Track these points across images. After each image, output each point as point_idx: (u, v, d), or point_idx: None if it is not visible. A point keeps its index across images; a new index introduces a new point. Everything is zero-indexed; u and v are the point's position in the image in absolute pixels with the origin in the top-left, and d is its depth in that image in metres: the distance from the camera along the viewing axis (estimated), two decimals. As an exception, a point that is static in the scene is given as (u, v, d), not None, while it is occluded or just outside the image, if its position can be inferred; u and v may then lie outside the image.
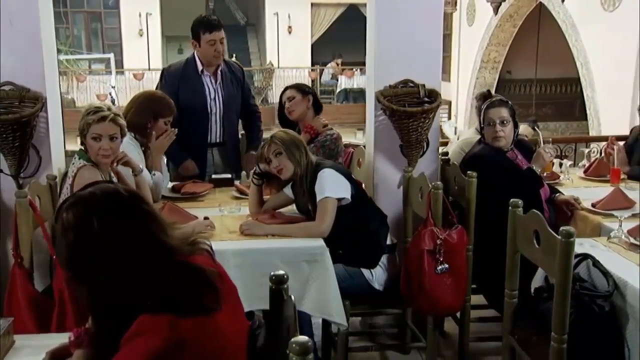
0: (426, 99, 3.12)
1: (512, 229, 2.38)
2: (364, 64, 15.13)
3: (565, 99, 13.23)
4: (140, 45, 16.16)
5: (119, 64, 15.74)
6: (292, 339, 1.25)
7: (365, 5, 14.16)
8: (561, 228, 2.00)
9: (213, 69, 3.72)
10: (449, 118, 14.18)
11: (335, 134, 3.52)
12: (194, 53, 3.78)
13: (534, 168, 3.06)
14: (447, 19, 14.43)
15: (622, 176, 3.63)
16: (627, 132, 7.47)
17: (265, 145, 2.80)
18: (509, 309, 2.44)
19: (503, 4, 10.31)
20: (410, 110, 3.02)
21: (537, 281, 2.58)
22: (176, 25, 18.16)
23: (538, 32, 12.12)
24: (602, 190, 3.28)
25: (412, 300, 2.76)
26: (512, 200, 2.38)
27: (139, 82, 15.10)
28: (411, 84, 3.14)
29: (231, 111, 3.80)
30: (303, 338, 1.25)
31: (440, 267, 2.68)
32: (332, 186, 2.70)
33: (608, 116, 8.20)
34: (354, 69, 17.17)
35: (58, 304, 2.51)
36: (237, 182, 3.49)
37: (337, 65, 17.42)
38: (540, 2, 10.13)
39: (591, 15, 8.43)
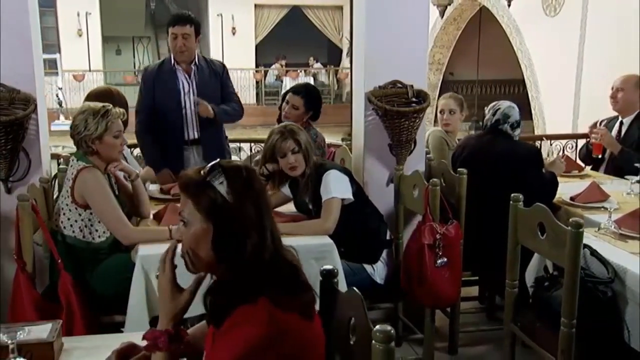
0: (414, 99, 3.23)
1: (514, 222, 2.52)
2: (307, 65, 15.19)
3: (506, 99, 13.72)
4: (80, 46, 15.69)
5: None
6: (375, 328, 1.31)
7: (308, 7, 14.34)
8: (571, 219, 2.15)
9: (186, 64, 3.69)
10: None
11: (318, 140, 3.59)
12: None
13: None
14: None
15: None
16: (570, 131, 7.91)
17: (284, 139, 2.76)
18: (510, 298, 2.57)
19: (448, 7, 10.61)
20: (403, 110, 3.11)
21: (530, 272, 2.74)
22: (115, 26, 17.75)
23: (479, 35, 12.55)
24: (572, 185, 3.51)
25: (412, 293, 2.85)
26: (513, 195, 2.52)
27: (80, 83, 14.67)
28: (399, 85, 3.24)
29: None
30: (386, 327, 1.31)
31: (439, 260, 2.78)
32: (337, 187, 2.76)
33: (552, 116, 8.60)
34: (298, 70, 17.27)
35: (65, 307, 2.48)
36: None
37: (281, 66, 17.48)
38: (482, 6, 10.50)
39: (534, 20, 8.81)
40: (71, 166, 2.68)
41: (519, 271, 2.58)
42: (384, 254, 2.89)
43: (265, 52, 17.55)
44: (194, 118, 3.69)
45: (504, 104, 3.38)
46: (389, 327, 1.30)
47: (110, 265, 2.72)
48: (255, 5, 16.85)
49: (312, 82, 17.23)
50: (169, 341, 1.37)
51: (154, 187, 3.47)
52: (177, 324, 1.40)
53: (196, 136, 3.72)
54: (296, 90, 3.66)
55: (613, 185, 3.53)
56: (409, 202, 3.12)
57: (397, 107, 3.13)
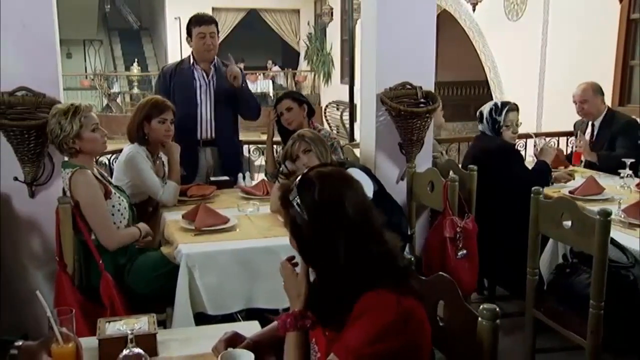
0: (422, 100, 3.38)
1: (535, 214, 2.68)
2: (265, 68, 15.15)
3: (461, 100, 14.11)
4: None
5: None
6: (482, 306, 1.44)
7: (265, 10, 14.38)
8: (599, 208, 2.33)
9: (206, 63, 3.79)
10: (355, 120, 14.62)
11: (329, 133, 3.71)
12: (190, 52, 3.87)
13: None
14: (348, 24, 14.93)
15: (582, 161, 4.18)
16: (534, 130, 8.23)
17: (294, 143, 2.88)
18: (532, 285, 2.74)
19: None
20: (416, 110, 3.26)
21: (544, 261, 2.92)
22: (67, 29, 17.34)
23: (437, 38, 12.86)
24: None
25: (435, 284, 2.99)
26: (534, 188, 2.69)
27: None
28: (409, 86, 3.39)
29: (223, 106, 3.79)
30: (492, 305, 1.44)
31: (460, 252, 2.94)
32: None
33: (516, 116, 8.91)
34: (257, 74, 17.28)
35: (109, 308, 2.51)
36: (241, 183, 3.58)
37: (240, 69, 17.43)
38: (442, 10, 10.79)
39: (497, 24, 9.12)
40: (63, 178, 2.71)
41: (539, 260, 2.75)
42: (407, 247, 3.03)
43: (223, 55, 17.45)
44: (209, 117, 3.75)
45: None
46: (494, 306, 1.43)
47: (142, 263, 2.76)
48: (213, 9, 16.72)
49: (270, 85, 17.33)
50: (295, 321, 1.46)
51: None
52: (304, 304, 1.48)
53: (209, 136, 3.77)
54: (279, 98, 3.76)
55: (601, 180, 3.75)
56: (424, 198, 3.26)
57: (410, 108, 3.27)
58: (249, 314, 2.81)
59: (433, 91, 3.43)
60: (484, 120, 3.49)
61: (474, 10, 8.66)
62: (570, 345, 2.63)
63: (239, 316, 2.88)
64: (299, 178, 1.46)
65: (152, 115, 3.21)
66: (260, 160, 5.23)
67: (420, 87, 3.37)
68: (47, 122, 2.72)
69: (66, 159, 2.75)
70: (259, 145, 5.01)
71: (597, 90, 4.29)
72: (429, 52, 3.47)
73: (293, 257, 1.53)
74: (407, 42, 3.40)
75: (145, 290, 2.71)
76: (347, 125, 13.78)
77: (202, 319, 2.58)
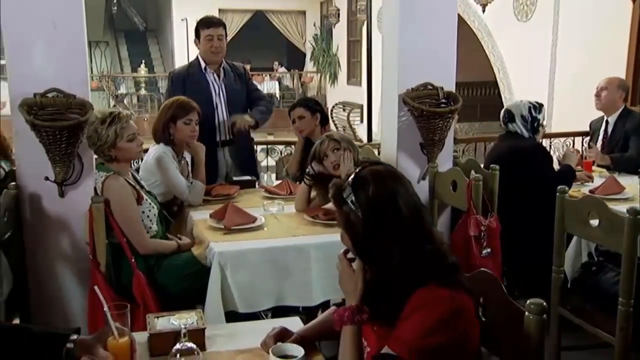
0: (443, 100, 3.41)
1: (561, 212, 2.71)
2: (272, 69, 15.21)
3: (469, 101, 14.13)
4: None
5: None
6: (529, 301, 1.47)
7: (271, 11, 14.44)
8: (629, 207, 2.35)
9: (216, 66, 3.85)
10: (362, 121, 14.67)
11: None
12: (197, 54, 3.91)
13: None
14: (356, 25, 15.00)
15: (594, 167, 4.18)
16: (546, 130, 8.25)
17: (322, 142, 2.95)
18: (557, 283, 2.77)
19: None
20: (439, 110, 3.28)
21: (568, 259, 2.95)
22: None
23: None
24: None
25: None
26: (559, 187, 2.72)
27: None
28: (430, 87, 3.41)
29: (236, 106, 3.89)
30: (539, 300, 1.47)
31: (484, 251, 2.97)
32: None
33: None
34: (263, 75, 17.34)
35: (142, 305, 2.55)
36: (264, 183, 3.62)
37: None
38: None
39: (506, 25, 9.16)
40: (96, 179, 2.78)
41: (564, 258, 2.78)
42: (432, 246, 3.05)
43: (230, 56, 17.40)
44: (225, 118, 3.80)
45: (510, 103, 3.68)
46: (542, 301, 1.46)
47: (171, 263, 2.81)
48: (220, 10, 16.79)
49: (277, 86, 17.39)
50: (353, 315, 1.48)
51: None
52: (360, 299, 1.50)
53: (227, 137, 3.83)
54: (292, 106, 3.81)
55: (620, 179, 3.78)
56: (447, 197, 3.29)
57: (432, 108, 3.30)
58: (275, 312, 2.85)
59: (454, 91, 3.45)
60: (518, 119, 3.52)
61: (483, 11, 8.69)
62: (596, 343, 2.66)
63: (263, 314, 2.92)
64: (352, 176, 1.49)
65: (178, 116, 3.25)
66: (266, 161, 5.29)
67: (442, 88, 3.40)
68: (77, 122, 2.76)
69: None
70: (275, 146, 5.05)
71: (622, 86, 4.32)
72: (450, 52, 3.49)
73: (348, 250, 1.55)
74: (429, 42, 3.42)
75: (174, 288, 2.76)
76: (354, 126, 13.90)
77: (227, 317, 2.61)
